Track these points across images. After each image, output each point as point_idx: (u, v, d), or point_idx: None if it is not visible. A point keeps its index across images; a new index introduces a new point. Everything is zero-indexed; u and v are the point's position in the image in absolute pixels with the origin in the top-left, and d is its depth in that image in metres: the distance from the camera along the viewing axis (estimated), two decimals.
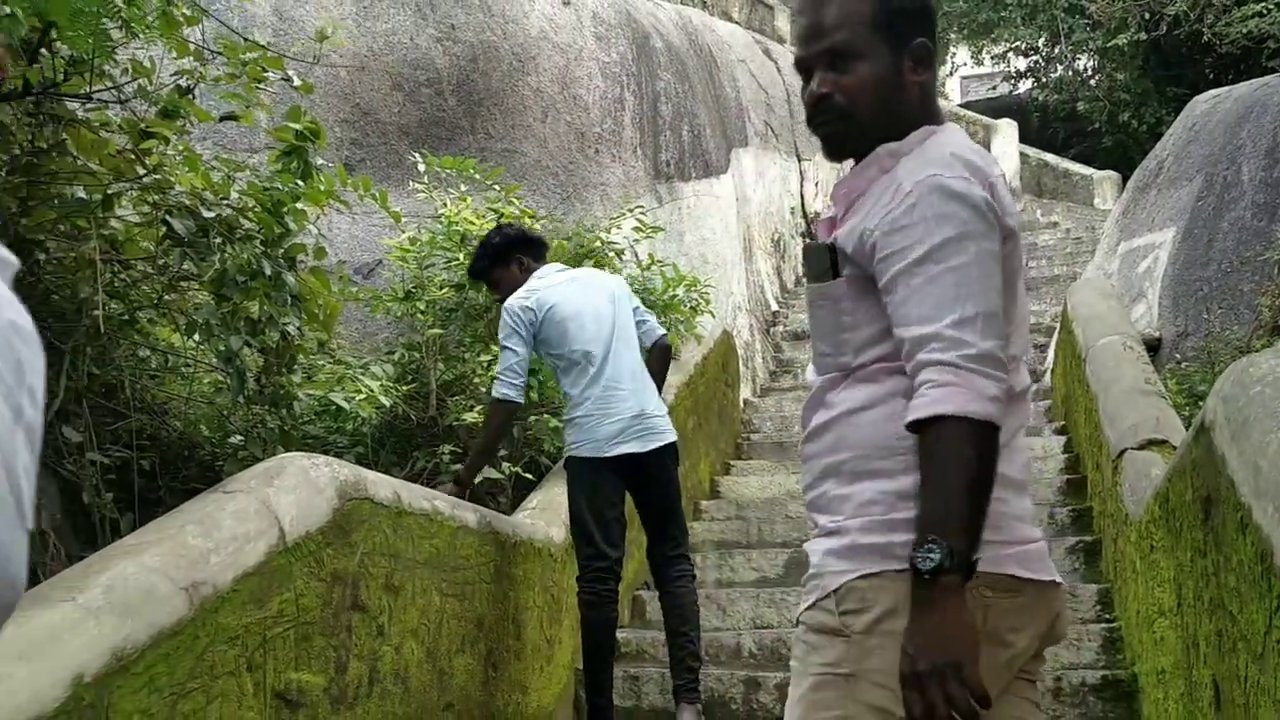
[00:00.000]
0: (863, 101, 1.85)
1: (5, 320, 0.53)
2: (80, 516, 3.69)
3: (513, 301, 4.40)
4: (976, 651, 1.59)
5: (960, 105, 20.93)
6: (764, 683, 4.65)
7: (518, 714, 4.34)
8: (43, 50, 3.44)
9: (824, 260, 1.85)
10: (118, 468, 3.81)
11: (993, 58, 21.38)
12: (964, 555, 1.59)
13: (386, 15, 7.88)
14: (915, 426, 1.66)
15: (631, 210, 7.59)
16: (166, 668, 2.31)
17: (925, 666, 1.57)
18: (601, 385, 4.30)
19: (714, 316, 7.82)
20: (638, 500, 4.43)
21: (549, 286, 4.45)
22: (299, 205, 3.99)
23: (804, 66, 1.91)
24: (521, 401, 4.44)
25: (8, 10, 3.09)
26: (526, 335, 4.32)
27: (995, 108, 19.96)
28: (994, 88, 21.75)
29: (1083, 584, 5.06)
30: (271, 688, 2.71)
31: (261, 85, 3.95)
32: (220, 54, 3.85)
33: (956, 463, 1.62)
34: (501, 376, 4.34)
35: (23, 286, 3.56)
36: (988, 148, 16.36)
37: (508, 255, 4.55)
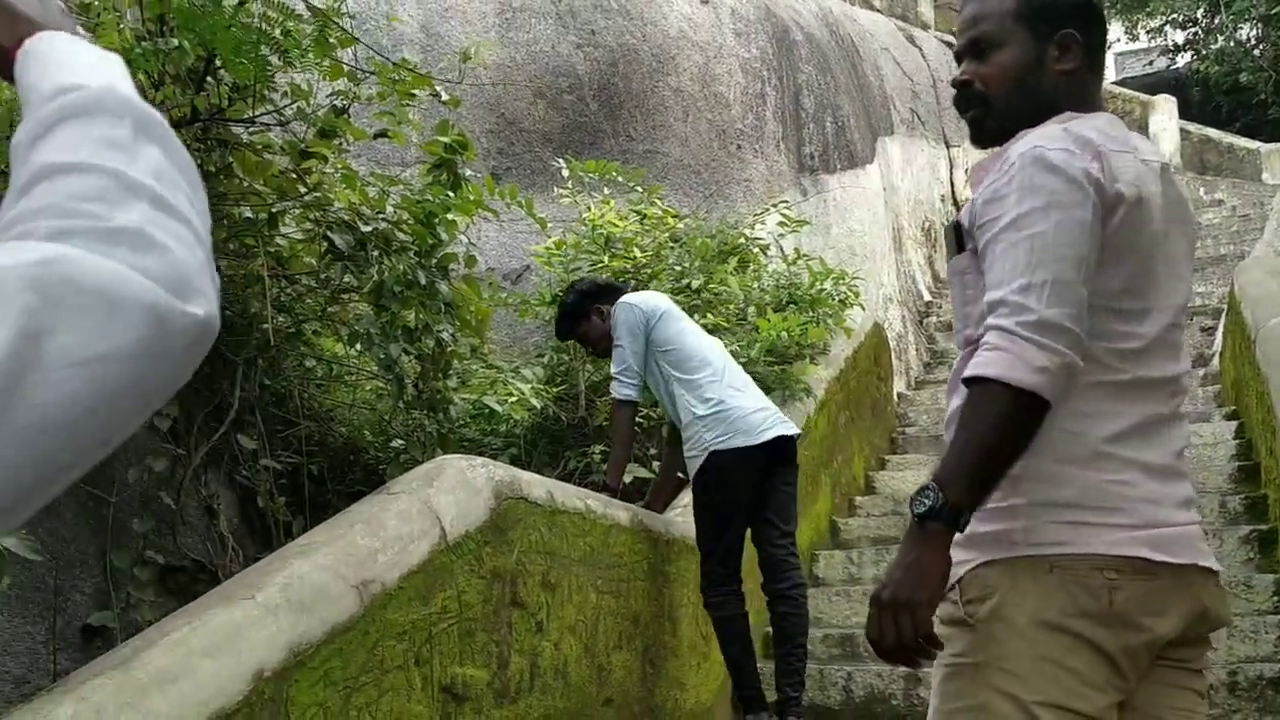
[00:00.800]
0: (999, 88, 1.91)
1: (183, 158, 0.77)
2: (256, 520, 3.89)
3: (627, 298, 4.45)
4: (934, 598, 1.66)
5: (1115, 83, 20.16)
6: (924, 678, 4.59)
7: (677, 710, 4.38)
8: (208, 79, 3.64)
9: (953, 236, 1.90)
10: (289, 473, 4.00)
11: (1148, 32, 20.55)
12: (956, 510, 1.66)
13: (528, 25, 8.04)
14: (966, 384, 1.72)
15: (775, 205, 7.57)
16: (340, 662, 2.42)
17: (887, 596, 1.66)
18: (725, 381, 4.31)
19: (864, 309, 7.73)
20: (762, 490, 4.34)
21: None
22: (450, 216, 4.13)
23: (959, 58, 1.99)
24: (640, 400, 4.48)
25: (176, 43, 3.28)
26: (640, 333, 4.36)
27: (1152, 83, 19.17)
28: (1150, 63, 20.92)
29: (1258, 574, 4.84)
30: (438, 682, 2.81)
31: (411, 102, 4.10)
32: (373, 74, 4.00)
33: (980, 425, 1.67)
34: (621, 377, 4.38)
35: None
36: (1145, 125, 15.74)
37: (585, 309, 4.60)
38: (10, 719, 1.84)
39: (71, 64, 0.78)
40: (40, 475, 0.61)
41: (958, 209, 12.87)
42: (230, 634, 2.17)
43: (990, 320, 1.71)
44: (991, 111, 1.92)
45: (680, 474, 4.72)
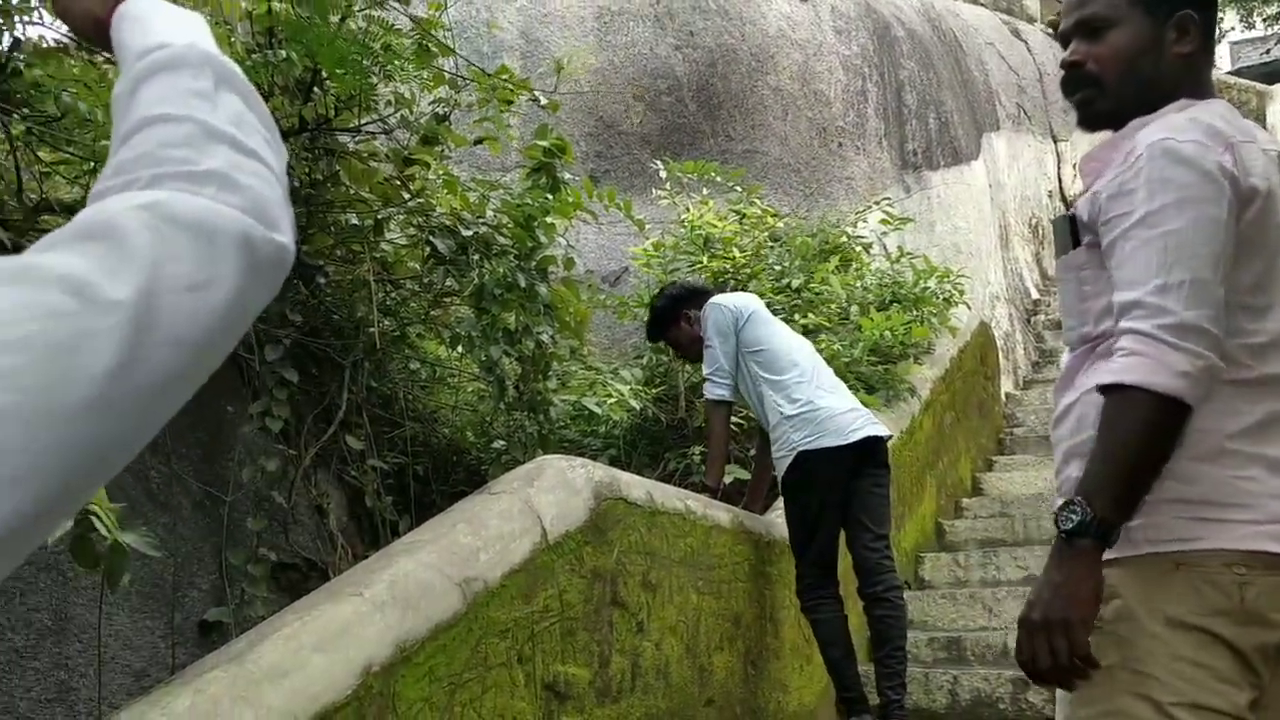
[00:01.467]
0: (1112, 70, 1.83)
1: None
2: (364, 519, 3.98)
3: (716, 299, 4.44)
4: (1089, 615, 1.61)
5: (1230, 73, 19.50)
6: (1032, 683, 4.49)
7: (779, 712, 4.36)
8: (315, 89, 3.74)
9: (1065, 231, 1.84)
10: (395, 473, 4.08)
11: (1265, 20, 19.83)
12: (1105, 524, 1.61)
13: (626, 28, 8.08)
14: (1103, 391, 1.66)
15: (878, 203, 7.49)
16: (445, 658, 2.46)
17: (1038, 616, 1.62)
18: (815, 382, 4.26)
19: (969, 308, 7.60)
20: (853, 493, 4.25)
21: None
22: (549, 219, 4.17)
23: (1065, 39, 1.92)
24: (733, 400, 4.45)
25: (284, 55, 3.37)
26: (730, 334, 4.34)
27: (1270, 73, 18.50)
28: (1267, 51, 20.20)
29: None
30: (541, 680, 2.84)
31: (510, 108, 4.15)
32: (472, 81, 4.06)
33: (1125, 433, 1.61)
34: (713, 378, 4.36)
35: (306, 308, 3.88)
36: (1262, 116, 15.18)
37: (675, 314, 4.58)
38: (131, 710, 1.91)
39: (158, 24, 0.87)
40: (176, 391, 0.70)
41: (1066, 204, 12.57)
42: (339, 630, 2.22)
43: (1125, 323, 1.65)
44: (1104, 94, 1.84)
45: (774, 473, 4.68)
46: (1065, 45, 1.92)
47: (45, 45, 3.21)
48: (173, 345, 0.67)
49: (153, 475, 3.30)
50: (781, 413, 4.21)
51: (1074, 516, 1.61)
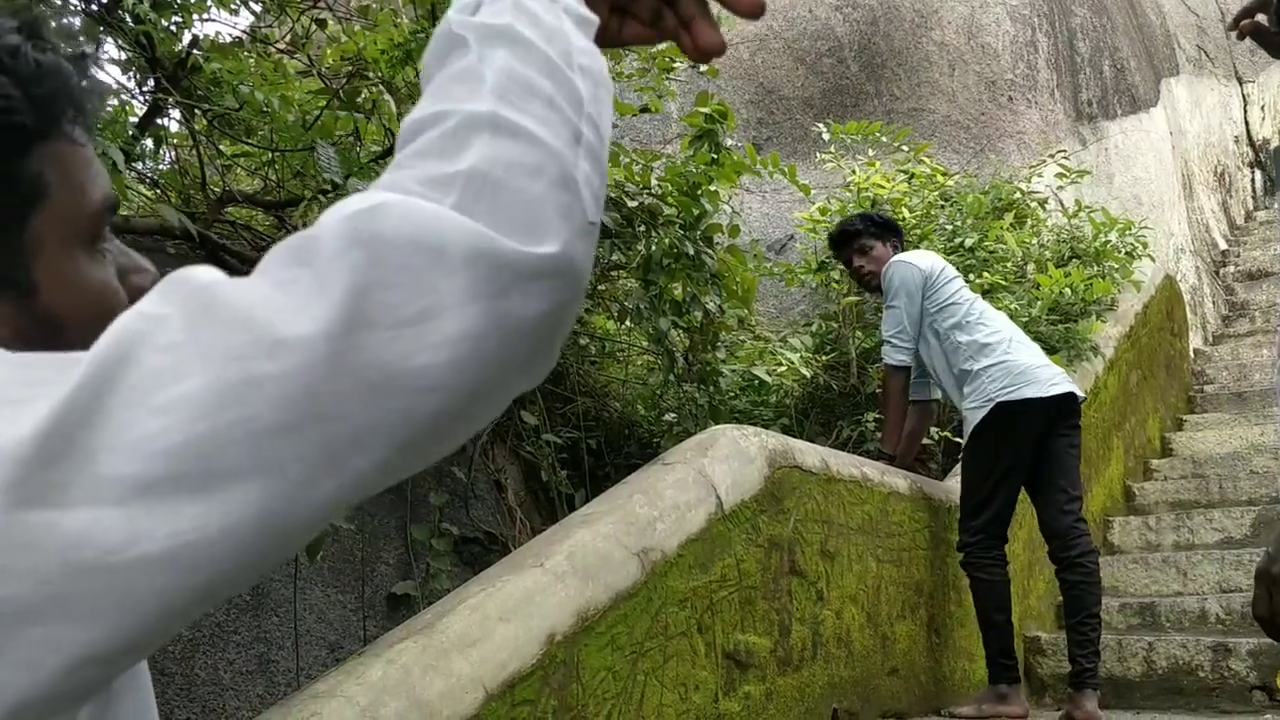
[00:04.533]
0: None
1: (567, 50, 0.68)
2: (540, 493, 4.03)
3: (904, 257, 4.27)
4: None
5: None
6: (1235, 649, 4.26)
7: (965, 681, 4.25)
8: None
9: None
10: (569, 447, 4.12)
11: None
12: None
13: None
14: None
15: (1052, 156, 7.20)
16: (625, 628, 2.47)
17: None
18: (1012, 337, 4.10)
19: (1153, 261, 7.24)
20: (1048, 453, 4.06)
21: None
22: (712, 186, 4.12)
23: None
24: (912, 366, 4.29)
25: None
26: (917, 295, 4.17)
27: None
28: None
29: None
30: (721, 649, 2.82)
31: (670, 75, 4.12)
32: (631, 49, 4.05)
33: None
34: (893, 340, 4.20)
35: None
36: None
37: (880, 234, 4.41)
38: (328, 680, 1.97)
39: None
40: (392, 439, 0.56)
41: (1254, 149, 11.85)
42: (522, 600, 2.24)
43: None
44: None
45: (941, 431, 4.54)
46: None
47: (222, 41, 3.33)
48: (375, 392, 0.54)
49: None
50: (978, 362, 4.04)
51: None
